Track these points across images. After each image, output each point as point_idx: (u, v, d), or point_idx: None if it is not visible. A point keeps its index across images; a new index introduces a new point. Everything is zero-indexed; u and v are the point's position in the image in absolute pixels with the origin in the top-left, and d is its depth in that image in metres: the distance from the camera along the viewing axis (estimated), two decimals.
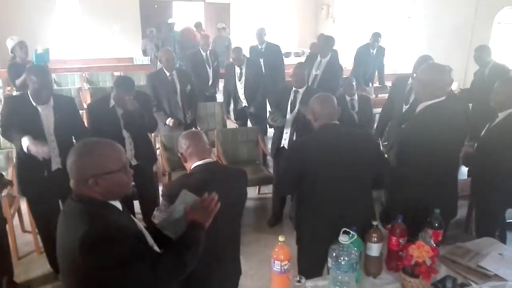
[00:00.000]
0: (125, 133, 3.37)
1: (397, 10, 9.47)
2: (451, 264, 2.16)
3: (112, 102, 3.35)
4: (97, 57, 10.04)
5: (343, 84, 5.07)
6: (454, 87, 6.90)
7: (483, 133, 3.08)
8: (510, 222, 3.86)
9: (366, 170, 2.32)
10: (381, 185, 2.53)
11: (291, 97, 3.86)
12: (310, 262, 2.23)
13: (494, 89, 2.97)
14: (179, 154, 2.23)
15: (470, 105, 5.37)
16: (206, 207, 1.78)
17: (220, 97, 6.27)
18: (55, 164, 3.02)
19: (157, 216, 2.10)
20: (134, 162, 3.42)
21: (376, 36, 6.79)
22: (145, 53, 9.65)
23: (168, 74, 4.47)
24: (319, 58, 5.39)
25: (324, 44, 5.53)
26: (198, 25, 9.95)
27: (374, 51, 6.83)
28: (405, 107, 3.96)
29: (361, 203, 2.32)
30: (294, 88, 3.88)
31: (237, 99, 5.44)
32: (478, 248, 2.29)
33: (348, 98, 4.83)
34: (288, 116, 3.78)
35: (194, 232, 1.70)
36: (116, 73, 8.49)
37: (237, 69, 5.28)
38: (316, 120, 2.38)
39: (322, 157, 2.25)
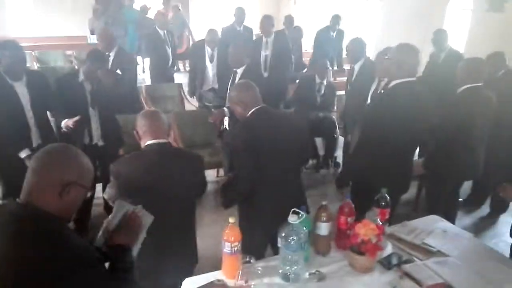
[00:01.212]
0: (92, 111, 3.27)
1: None
2: (398, 242, 2.22)
3: (81, 77, 3.24)
4: (48, 35, 9.53)
5: (316, 66, 5.09)
6: None
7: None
8: (461, 200, 4.07)
9: (297, 149, 2.34)
10: (302, 163, 2.57)
11: (231, 77, 3.90)
12: (252, 245, 2.23)
13: (458, 66, 3.13)
14: (134, 132, 2.19)
15: None
16: (130, 226, 1.60)
17: (178, 79, 6.14)
18: (35, 141, 2.99)
19: (107, 192, 2.09)
20: (100, 143, 3.34)
21: (336, 18, 6.80)
22: (92, 32, 9.24)
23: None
24: (264, 39, 5.35)
25: (265, 23, 5.45)
26: (166, 2, 9.67)
27: (334, 34, 6.85)
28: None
29: (295, 182, 2.36)
30: (234, 69, 3.93)
31: (204, 80, 5.31)
32: (424, 226, 2.37)
33: (318, 80, 4.86)
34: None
35: (120, 257, 1.48)
36: (68, 52, 8.14)
37: (208, 50, 5.17)
38: (245, 109, 2.31)
39: (261, 142, 2.21)
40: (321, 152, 5.11)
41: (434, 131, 3.17)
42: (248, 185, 2.25)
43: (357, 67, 4.11)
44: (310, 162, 5.03)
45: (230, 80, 3.92)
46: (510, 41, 5.91)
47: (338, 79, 6.99)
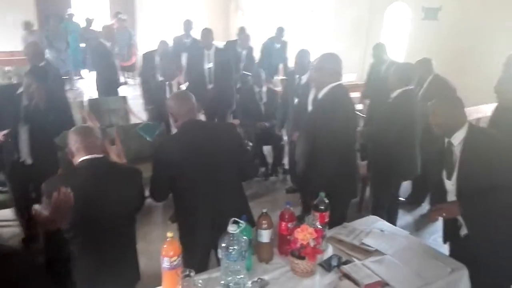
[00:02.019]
0: (22, 126, 3.11)
1: (302, 4, 9.80)
2: (338, 244, 2.29)
3: (20, 89, 3.14)
4: None
5: (252, 76, 5.17)
6: (353, 78, 7.36)
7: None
8: (401, 200, 4.24)
9: (231, 162, 2.32)
10: (248, 175, 2.58)
11: (167, 90, 3.96)
12: (193, 258, 2.21)
13: (391, 72, 3.30)
14: (66, 150, 2.12)
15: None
16: (57, 205, 1.62)
17: (126, 91, 6.02)
18: None
19: (36, 209, 1.97)
20: (29, 161, 3.18)
21: (280, 30, 7.01)
22: None
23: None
24: (206, 52, 5.40)
25: (205, 36, 5.50)
26: (117, 14, 9.49)
27: (279, 45, 7.03)
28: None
29: (233, 194, 2.35)
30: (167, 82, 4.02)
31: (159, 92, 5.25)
32: (363, 227, 2.46)
33: (257, 89, 4.93)
34: None
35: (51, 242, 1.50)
36: (8, 68, 7.76)
37: (157, 59, 5.15)
38: (176, 120, 2.32)
39: (187, 156, 2.20)
40: (270, 160, 5.17)
41: (372, 135, 3.33)
42: (160, 196, 2.35)
43: (304, 77, 4.21)
44: (260, 170, 5.07)
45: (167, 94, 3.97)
46: (445, 47, 6.30)
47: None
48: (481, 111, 5.53)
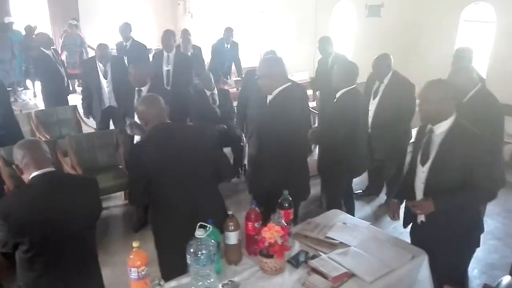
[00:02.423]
0: None
1: (250, 5, 9.87)
2: (304, 239, 2.33)
3: None
4: None
5: (201, 79, 5.14)
6: (305, 76, 7.51)
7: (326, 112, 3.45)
8: (357, 192, 4.38)
9: (204, 163, 2.31)
10: (225, 176, 2.58)
11: (136, 96, 3.83)
12: (173, 265, 2.18)
13: (333, 72, 3.37)
14: (13, 166, 2.01)
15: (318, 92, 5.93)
16: None
17: (75, 100, 5.80)
18: None
19: None
20: None
21: (229, 31, 7.04)
22: None
23: None
24: (165, 53, 5.33)
25: (166, 39, 5.40)
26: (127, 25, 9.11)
27: (228, 46, 7.06)
28: None
29: (209, 195, 2.34)
30: (136, 88, 3.90)
31: (101, 99, 5.05)
32: (326, 221, 2.52)
33: (208, 92, 4.91)
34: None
35: None
36: None
37: (100, 66, 4.96)
38: (146, 123, 2.33)
39: (159, 158, 2.18)
40: (231, 161, 5.16)
41: (320, 136, 3.40)
42: (139, 198, 2.41)
43: None
44: None
45: (135, 98, 3.82)
46: (389, 42, 6.56)
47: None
48: None
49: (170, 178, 2.20)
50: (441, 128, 2.20)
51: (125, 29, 6.21)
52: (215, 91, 4.96)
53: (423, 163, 2.29)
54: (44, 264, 1.92)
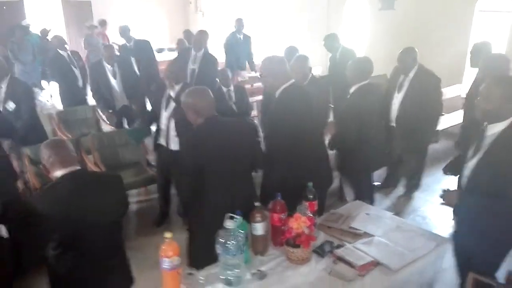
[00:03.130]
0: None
1: (263, 3, 9.87)
2: (328, 230, 2.37)
3: None
4: None
5: (219, 76, 5.19)
6: (319, 71, 7.52)
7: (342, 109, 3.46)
8: (377, 184, 4.40)
9: (247, 156, 2.45)
10: (258, 165, 2.66)
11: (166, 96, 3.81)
12: (206, 254, 2.24)
13: (347, 68, 3.38)
14: (41, 166, 2.09)
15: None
16: None
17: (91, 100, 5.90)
18: None
19: None
20: None
21: (240, 21, 7.03)
22: None
23: None
24: (194, 52, 5.39)
25: (200, 38, 5.52)
26: (102, 23, 9.22)
27: (241, 37, 7.07)
28: None
29: (246, 187, 2.45)
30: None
31: (113, 99, 5.11)
32: (349, 212, 2.55)
33: (225, 89, 4.96)
34: (165, 112, 3.71)
35: None
36: None
37: (108, 67, 5.02)
38: (199, 115, 2.38)
39: (214, 150, 2.30)
40: None
41: (336, 135, 3.42)
42: (190, 189, 2.41)
43: None
44: None
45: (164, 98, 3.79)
46: (404, 35, 6.54)
47: (255, 85, 7.20)
48: (444, 93, 5.79)
49: (218, 169, 2.32)
50: (494, 129, 2.10)
51: (125, 31, 6.31)
52: (232, 88, 5.00)
53: (468, 160, 2.23)
54: (73, 260, 1.99)
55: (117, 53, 5.76)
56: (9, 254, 1.50)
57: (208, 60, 5.47)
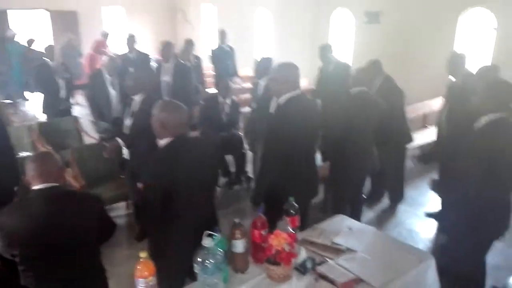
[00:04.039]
0: None
1: (249, 14, 9.91)
2: (310, 246, 2.32)
3: None
4: None
5: (218, 86, 5.17)
6: (304, 83, 7.53)
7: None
8: (364, 197, 4.37)
9: (211, 174, 2.40)
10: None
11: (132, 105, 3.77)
12: (172, 275, 2.17)
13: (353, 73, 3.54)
14: (23, 178, 2.08)
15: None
16: None
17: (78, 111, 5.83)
18: None
19: None
20: None
21: (223, 33, 7.10)
22: None
23: None
24: (164, 64, 5.35)
25: (163, 49, 5.45)
26: (105, 34, 9.13)
27: (227, 47, 7.11)
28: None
29: (211, 206, 2.40)
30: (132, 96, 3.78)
31: (109, 109, 5.00)
32: (332, 227, 2.51)
33: (221, 100, 4.93)
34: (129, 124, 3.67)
35: None
36: None
37: (108, 78, 4.94)
38: (166, 131, 2.25)
39: (181, 173, 2.18)
40: (232, 169, 5.17)
41: (329, 136, 3.43)
42: (153, 213, 2.25)
43: (262, 82, 4.28)
44: (223, 179, 5.07)
45: (130, 108, 3.77)
46: (389, 48, 6.61)
47: (242, 96, 7.18)
48: (427, 106, 5.86)
49: (186, 192, 2.21)
50: (482, 121, 2.48)
51: (131, 40, 6.27)
52: (228, 101, 4.96)
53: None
54: (34, 279, 1.92)
55: (118, 63, 5.69)
56: None
57: (181, 70, 5.38)
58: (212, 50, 7.18)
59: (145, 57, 6.46)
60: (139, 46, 6.55)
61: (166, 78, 5.31)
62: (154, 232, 2.37)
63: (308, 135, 2.83)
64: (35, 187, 1.95)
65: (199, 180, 2.25)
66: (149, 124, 2.32)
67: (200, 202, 2.28)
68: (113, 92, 4.99)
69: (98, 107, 5.01)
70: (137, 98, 3.63)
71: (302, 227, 2.48)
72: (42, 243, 1.86)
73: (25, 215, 1.89)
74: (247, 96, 6.66)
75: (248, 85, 7.03)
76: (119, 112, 4.99)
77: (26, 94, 9.59)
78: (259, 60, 4.49)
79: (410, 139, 4.26)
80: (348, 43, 7.91)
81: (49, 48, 5.83)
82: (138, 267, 1.80)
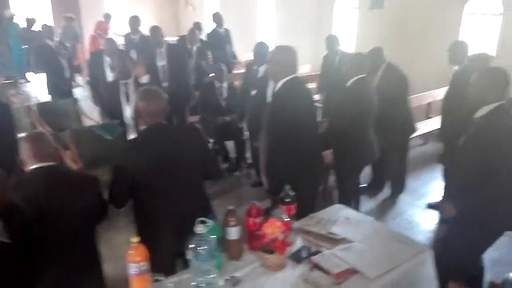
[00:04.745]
0: None
1: None
2: (306, 234, 2.29)
3: None
4: None
5: (213, 71, 5.10)
6: (307, 69, 7.45)
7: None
8: (363, 186, 4.34)
9: (195, 165, 2.29)
10: (211, 176, 2.54)
11: (122, 89, 3.78)
12: (159, 262, 2.15)
13: (346, 64, 3.42)
14: (19, 159, 2.01)
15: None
16: None
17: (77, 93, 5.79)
18: None
19: None
20: None
21: (218, 15, 6.93)
22: None
23: None
24: (158, 49, 5.28)
25: (154, 34, 5.38)
26: (107, 16, 9.03)
27: (222, 31, 6.96)
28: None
29: (197, 196, 2.33)
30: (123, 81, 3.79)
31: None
32: (329, 216, 2.47)
33: (218, 84, 4.87)
34: (127, 107, 3.63)
35: None
36: None
37: (107, 59, 4.92)
38: (142, 119, 2.23)
39: (152, 161, 2.13)
40: (232, 155, 5.15)
41: (332, 124, 3.39)
42: (121, 201, 2.24)
43: (262, 69, 4.22)
44: (224, 166, 5.05)
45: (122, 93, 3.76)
46: (394, 34, 6.50)
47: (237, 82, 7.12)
48: (432, 95, 5.77)
49: (158, 180, 2.16)
50: (482, 112, 2.46)
51: (134, 22, 6.18)
52: (225, 84, 4.91)
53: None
54: (39, 262, 1.89)
55: (121, 46, 5.63)
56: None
57: (174, 53, 5.32)
58: (207, 35, 7.04)
59: (147, 40, 6.34)
60: (143, 29, 6.46)
61: (161, 62, 5.24)
62: (134, 221, 2.34)
63: (308, 121, 2.79)
64: (33, 166, 1.92)
65: (176, 170, 2.17)
66: None
67: (180, 192, 2.21)
68: (110, 75, 4.94)
69: (96, 89, 4.96)
70: (130, 81, 3.59)
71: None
72: (41, 223, 1.83)
73: (23, 195, 1.86)
74: None
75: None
76: None
77: (28, 75, 9.56)
78: (255, 45, 4.39)
79: (413, 129, 4.19)
80: (351, 29, 7.79)
81: (47, 28, 5.77)
82: (130, 252, 1.79)
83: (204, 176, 2.38)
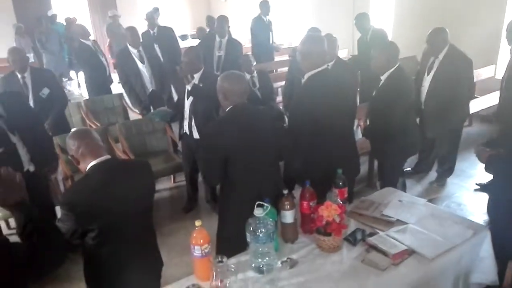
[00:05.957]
0: (14, 137, 2.99)
1: None
2: (359, 217, 2.32)
3: None
4: None
5: (242, 63, 5.13)
6: (344, 54, 7.34)
7: (373, 95, 3.31)
8: (407, 170, 4.28)
9: (273, 144, 2.37)
10: (284, 155, 2.57)
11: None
12: (235, 242, 2.22)
13: (371, 56, 3.18)
14: (69, 157, 2.09)
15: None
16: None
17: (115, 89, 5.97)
18: None
19: (62, 228, 1.90)
20: (32, 168, 3.08)
21: (265, 4, 6.89)
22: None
23: (20, 76, 3.94)
24: (218, 39, 5.34)
25: (222, 23, 5.49)
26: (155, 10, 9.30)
27: (267, 20, 6.96)
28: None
29: (273, 176, 2.40)
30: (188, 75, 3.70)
31: (143, 85, 4.95)
32: (380, 199, 2.48)
33: (248, 75, 4.89)
34: (187, 101, 3.69)
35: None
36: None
37: (134, 51, 4.85)
38: (226, 99, 2.32)
39: (239, 139, 2.23)
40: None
41: (375, 122, 3.30)
42: (215, 178, 2.39)
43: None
44: None
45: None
46: (432, 14, 6.28)
47: (279, 70, 7.12)
48: (476, 75, 5.55)
49: (246, 158, 2.26)
50: None
51: (153, 15, 6.27)
52: (255, 74, 4.92)
53: None
54: (110, 248, 2.00)
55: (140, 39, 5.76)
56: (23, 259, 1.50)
57: (234, 45, 5.46)
58: (252, 20, 7.05)
59: (168, 31, 6.36)
60: (170, 22, 6.55)
61: (219, 53, 5.37)
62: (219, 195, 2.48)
63: (339, 111, 2.66)
64: (91, 163, 1.99)
65: (260, 147, 2.28)
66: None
67: (264, 167, 2.34)
68: (141, 66, 4.90)
69: (129, 83, 4.91)
70: (197, 76, 3.58)
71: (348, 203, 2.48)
72: (114, 212, 1.92)
73: (93, 190, 1.92)
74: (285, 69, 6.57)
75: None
76: (152, 85, 4.99)
77: (72, 73, 9.93)
78: (307, 30, 4.33)
79: (469, 112, 4.06)
80: (388, 10, 7.59)
81: (80, 27, 5.92)
82: (194, 235, 1.87)
83: (279, 155, 2.47)
